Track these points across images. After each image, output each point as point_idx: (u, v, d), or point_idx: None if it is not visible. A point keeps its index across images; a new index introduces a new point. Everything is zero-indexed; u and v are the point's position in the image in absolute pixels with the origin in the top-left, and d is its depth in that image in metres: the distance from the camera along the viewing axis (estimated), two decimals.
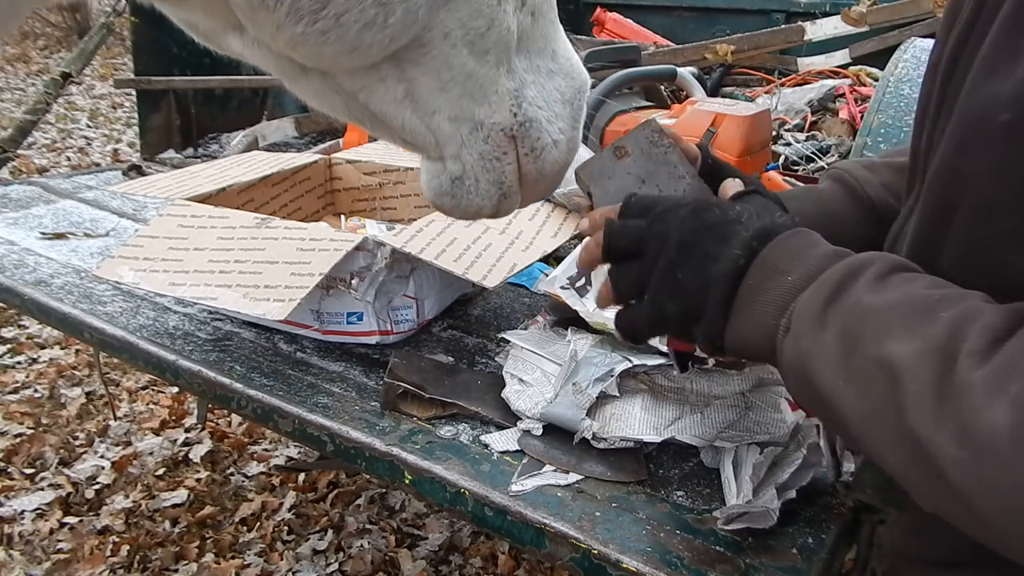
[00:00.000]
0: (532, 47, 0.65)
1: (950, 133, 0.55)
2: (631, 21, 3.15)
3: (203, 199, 1.14)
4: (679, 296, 0.60)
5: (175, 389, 2.46)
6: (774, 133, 2.12)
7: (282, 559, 1.87)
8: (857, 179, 0.83)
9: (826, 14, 2.78)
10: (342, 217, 1.40)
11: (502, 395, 0.93)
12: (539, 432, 0.89)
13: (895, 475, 0.48)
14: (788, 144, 2.12)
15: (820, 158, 2.04)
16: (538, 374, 0.94)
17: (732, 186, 0.72)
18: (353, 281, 1.02)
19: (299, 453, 2.26)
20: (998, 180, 0.51)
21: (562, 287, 1.01)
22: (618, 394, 0.89)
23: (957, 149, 0.54)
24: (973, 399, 0.42)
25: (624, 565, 0.71)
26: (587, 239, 0.70)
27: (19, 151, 3.89)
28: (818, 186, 0.86)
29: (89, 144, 5.29)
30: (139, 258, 1.00)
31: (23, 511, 1.97)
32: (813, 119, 2.23)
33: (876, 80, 2.37)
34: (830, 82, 2.40)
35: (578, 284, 1.02)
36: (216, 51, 0.68)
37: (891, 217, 0.75)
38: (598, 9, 3.23)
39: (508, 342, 1.02)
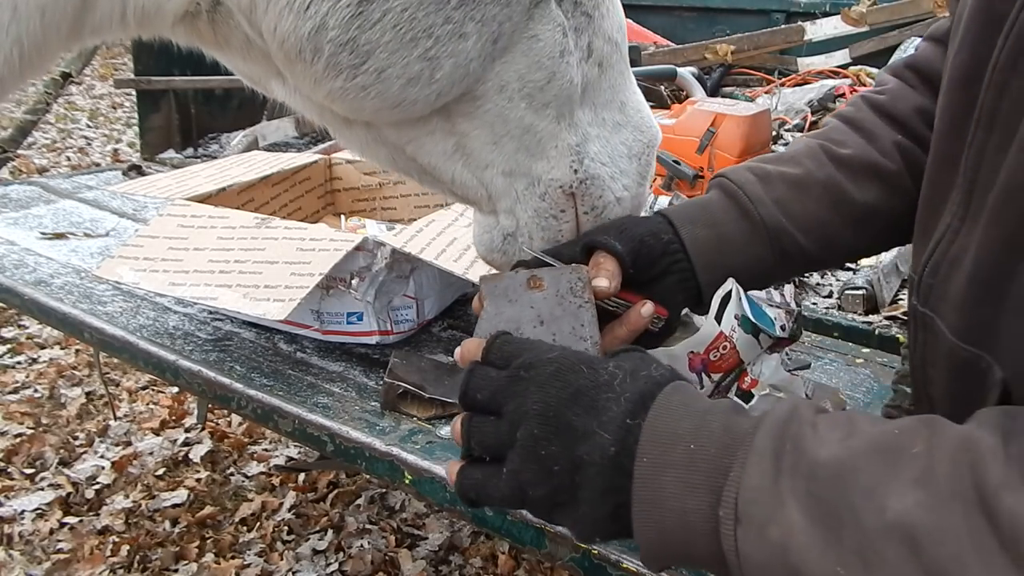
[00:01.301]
0: (598, 99, 0.61)
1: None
2: (631, 21, 3.14)
3: (203, 199, 1.14)
4: (543, 477, 0.51)
5: (175, 389, 2.46)
6: (774, 133, 2.12)
7: (282, 559, 1.87)
8: (750, 198, 0.75)
9: (826, 14, 2.78)
10: (342, 217, 1.40)
11: None
12: None
13: None
14: (788, 144, 2.12)
15: None
16: None
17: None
18: (353, 281, 1.02)
19: (299, 453, 2.26)
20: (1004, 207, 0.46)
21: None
22: None
23: None
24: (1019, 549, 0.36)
25: (624, 565, 0.71)
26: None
27: (19, 151, 3.89)
28: (710, 202, 0.77)
29: (89, 144, 5.29)
30: (139, 258, 1.00)
31: (23, 511, 1.97)
32: (813, 119, 2.23)
33: (875, 80, 2.36)
34: (830, 82, 2.40)
35: None
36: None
37: (780, 235, 0.73)
38: None
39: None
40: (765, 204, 0.75)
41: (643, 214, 1.19)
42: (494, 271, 0.93)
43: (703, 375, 0.81)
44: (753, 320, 0.78)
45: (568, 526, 0.53)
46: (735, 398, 0.82)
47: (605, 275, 0.67)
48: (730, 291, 0.77)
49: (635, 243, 0.69)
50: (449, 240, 0.99)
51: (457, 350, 0.62)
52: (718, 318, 0.78)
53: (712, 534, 0.45)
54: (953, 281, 0.57)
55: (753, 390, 0.83)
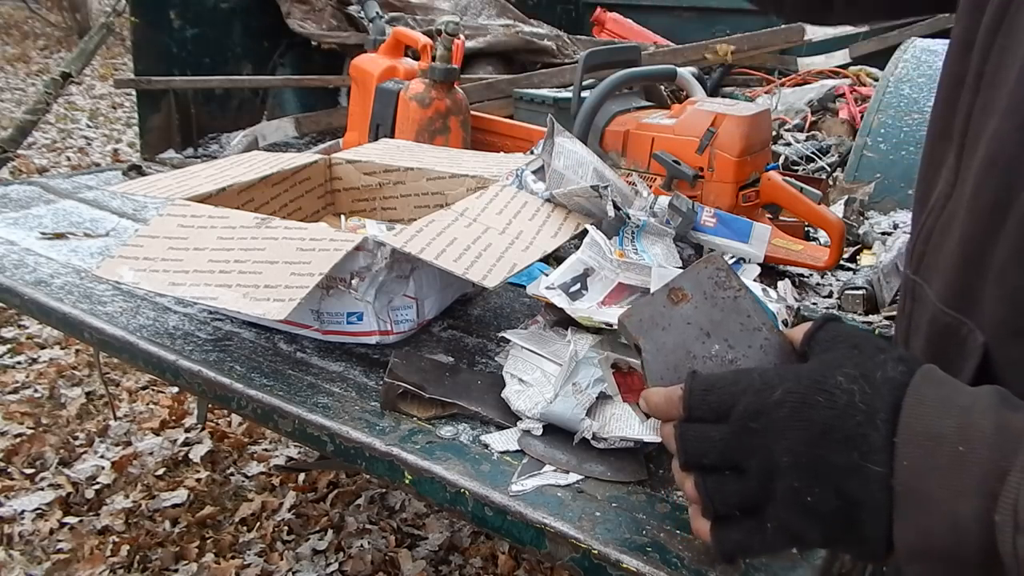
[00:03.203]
0: None
1: (1006, 111, 0.48)
2: (631, 21, 3.15)
3: (203, 199, 1.14)
4: (815, 523, 0.49)
5: (175, 389, 2.46)
6: (774, 133, 2.12)
7: (282, 559, 1.87)
8: None
9: None
10: (342, 217, 1.40)
11: (502, 395, 0.93)
12: (539, 432, 0.89)
13: None
14: (788, 144, 2.13)
15: (820, 158, 2.05)
16: (538, 374, 0.94)
17: (800, 333, 0.59)
18: (353, 281, 1.02)
19: (299, 453, 2.26)
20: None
21: (547, 287, 1.01)
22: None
23: (1019, 130, 0.47)
24: None
25: (624, 565, 0.71)
26: (643, 396, 0.60)
27: (19, 151, 3.89)
28: None
29: (89, 144, 5.29)
30: (139, 258, 1.00)
31: (23, 511, 1.97)
32: (813, 119, 2.24)
33: (876, 80, 2.37)
34: (830, 82, 2.40)
35: (572, 290, 1.02)
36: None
37: None
38: (598, 9, 3.23)
39: (508, 341, 1.02)
40: None
41: (643, 216, 1.20)
42: (490, 274, 0.93)
43: None
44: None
45: (853, 554, 0.52)
46: None
47: None
48: None
49: None
50: (449, 240, 0.99)
51: (641, 402, 0.58)
52: None
53: (986, 540, 0.42)
54: (943, 248, 0.56)
55: None
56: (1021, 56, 0.48)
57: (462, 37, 1.79)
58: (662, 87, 1.98)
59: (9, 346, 2.75)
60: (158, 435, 2.32)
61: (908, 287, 0.62)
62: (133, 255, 1.00)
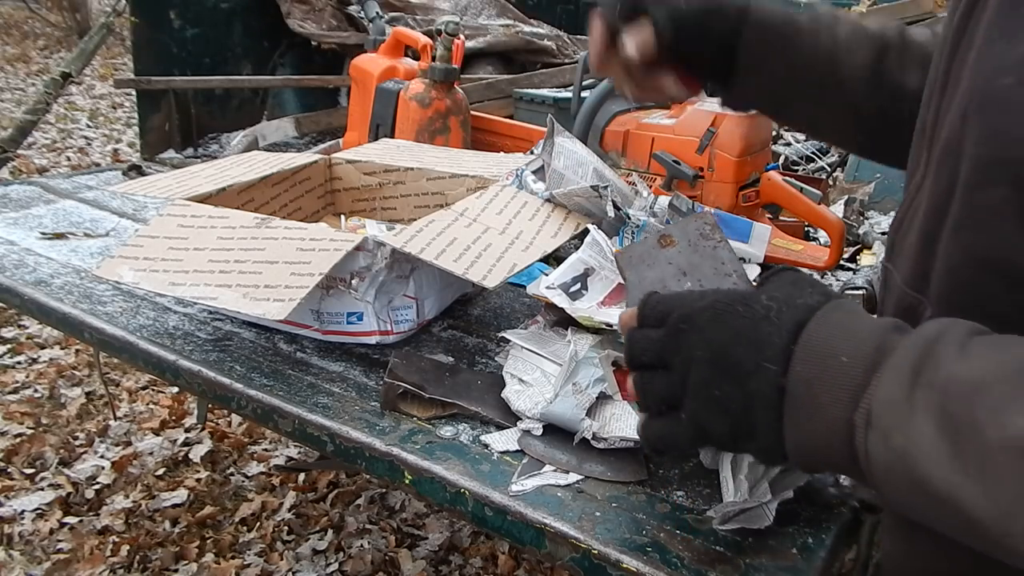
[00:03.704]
0: None
1: (956, 103, 0.53)
2: None
3: (203, 199, 1.14)
4: (721, 416, 0.55)
5: (175, 389, 2.46)
6: (774, 133, 2.12)
7: (282, 559, 1.87)
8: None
9: None
10: (342, 217, 1.40)
11: (502, 395, 0.93)
12: (539, 432, 0.89)
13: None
14: (788, 144, 2.13)
15: (820, 158, 2.05)
16: (538, 374, 0.94)
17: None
18: (353, 281, 1.02)
19: (299, 453, 2.26)
20: (992, 146, 0.48)
21: (547, 287, 1.01)
22: None
23: (961, 118, 0.51)
24: None
25: (624, 565, 0.71)
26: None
27: (19, 151, 3.89)
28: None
29: (89, 144, 5.29)
30: (139, 258, 1.00)
31: (23, 511, 1.97)
32: None
33: None
34: None
35: (572, 290, 1.02)
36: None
37: (837, 57, 0.75)
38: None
39: (508, 341, 1.02)
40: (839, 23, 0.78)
41: (643, 216, 1.20)
42: (490, 274, 0.93)
43: None
44: None
45: (753, 454, 0.57)
46: None
47: (631, 41, 0.70)
48: None
49: (684, 14, 0.71)
50: (449, 240, 0.99)
51: (616, 323, 0.65)
52: None
53: (850, 440, 0.48)
54: (909, 235, 0.60)
55: None
56: (973, 55, 0.52)
57: (462, 37, 1.79)
58: None
59: (9, 346, 2.75)
60: (158, 435, 2.32)
61: (882, 275, 0.67)
62: (133, 255, 1.00)
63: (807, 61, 0.77)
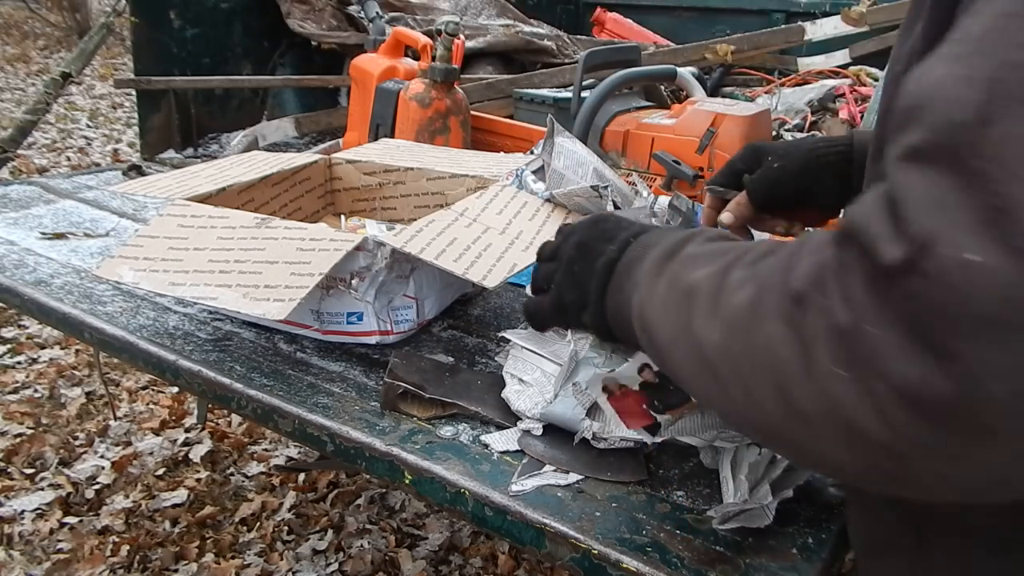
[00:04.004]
0: None
1: (883, 101, 0.60)
2: (631, 21, 3.15)
3: (203, 199, 1.13)
4: (573, 287, 0.68)
5: (175, 389, 2.46)
6: (774, 133, 2.12)
7: (282, 559, 1.87)
8: None
9: (826, 14, 2.78)
10: (342, 217, 1.40)
11: (502, 395, 0.93)
12: (539, 432, 0.89)
13: (693, 391, 0.55)
14: None
15: None
16: (538, 374, 0.94)
17: None
18: (353, 281, 1.02)
19: (299, 453, 2.26)
20: (882, 124, 0.54)
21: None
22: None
23: (884, 112, 0.58)
24: (729, 292, 0.48)
25: (624, 565, 0.71)
26: None
27: (19, 151, 3.89)
28: None
29: (89, 144, 5.29)
30: (139, 258, 1.00)
31: (23, 511, 1.97)
32: (813, 119, 2.23)
33: (876, 80, 2.37)
34: (830, 82, 2.40)
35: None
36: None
37: None
38: (598, 9, 3.23)
39: (508, 341, 1.02)
40: None
41: (642, 217, 1.22)
42: (490, 274, 0.94)
43: None
44: None
45: (588, 326, 0.68)
46: None
47: (725, 213, 0.90)
48: None
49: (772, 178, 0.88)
50: (449, 240, 0.99)
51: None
52: None
53: (629, 303, 0.61)
54: None
55: None
56: (902, 57, 0.56)
57: (462, 37, 1.79)
58: (662, 87, 1.98)
59: (9, 346, 2.75)
60: (158, 435, 2.32)
61: None
62: (133, 255, 1.00)
63: None
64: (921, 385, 0.36)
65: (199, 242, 1.01)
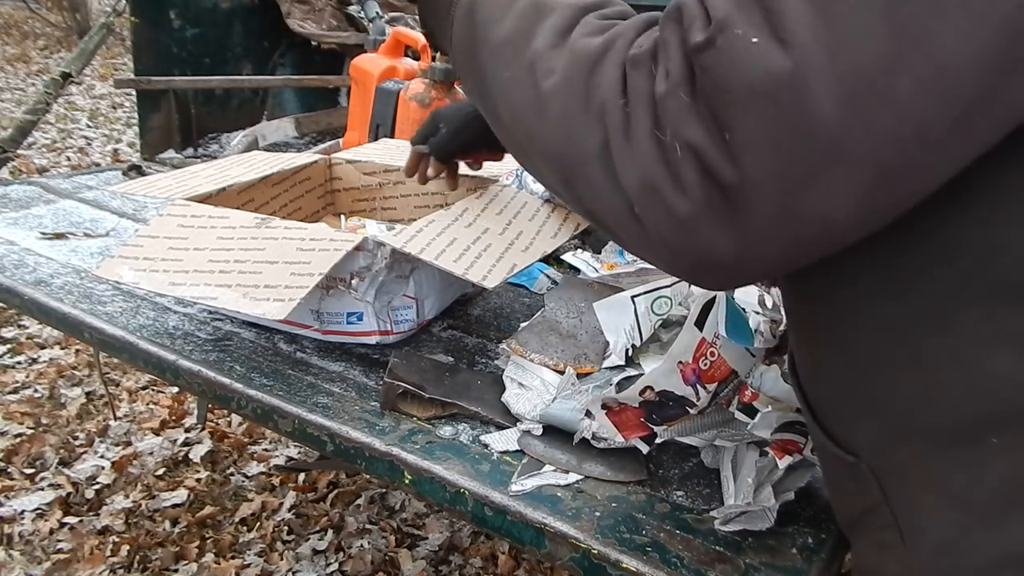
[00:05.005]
0: None
1: None
2: None
3: (203, 199, 1.13)
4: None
5: (175, 389, 2.46)
6: None
7: (282, 559, 1.87)
8: None
9: None
10: (342, 217, 1.40)
11: (502, 399, 0.93)
12: (539, 432, 0.89)
13: (497, 98, 0.55)
14: None
15: None
16: (538, 382, 0.95)
17: None
18: (353, 281, 1.02)
19: (299, 453, 2.26)
20: None
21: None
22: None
23: None
24: (581, 32, 0.51)
25: (624, 565, 0.71)
26: None
27: (19, 151, 3.89)
28: None
29: (89, 144, 5.29)
30: (139, 258, 1.00)
31: (23, 511, 1.97)
32: None
33: None
34: None
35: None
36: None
37: None
38: None
39: (508, 348, 1.02)
40: None
41: None
42: (490, 274, 0.94)
43: (698, 387, 0.81)
44: (724, 334, 0.78)
45: (434, 33, 0.69)
46: (738, 412, 0.83)
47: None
48: (713, 297, 0.77)
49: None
50: (449, 240, 0.99)
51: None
52: (699, 324, 0.78)
53: (449, 8, 0.61)
54: None
55: (755, 403, 0.83)
56: None
57: None
58: None
59: (9, 346, 2.75)
60: (158, 435, 2.32)
61: None
62: (133, 255, 1.00)
63: None
64: (705, 149, 0.41)
65: (199, 242, 1.01)
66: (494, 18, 0.56)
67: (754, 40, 0.40)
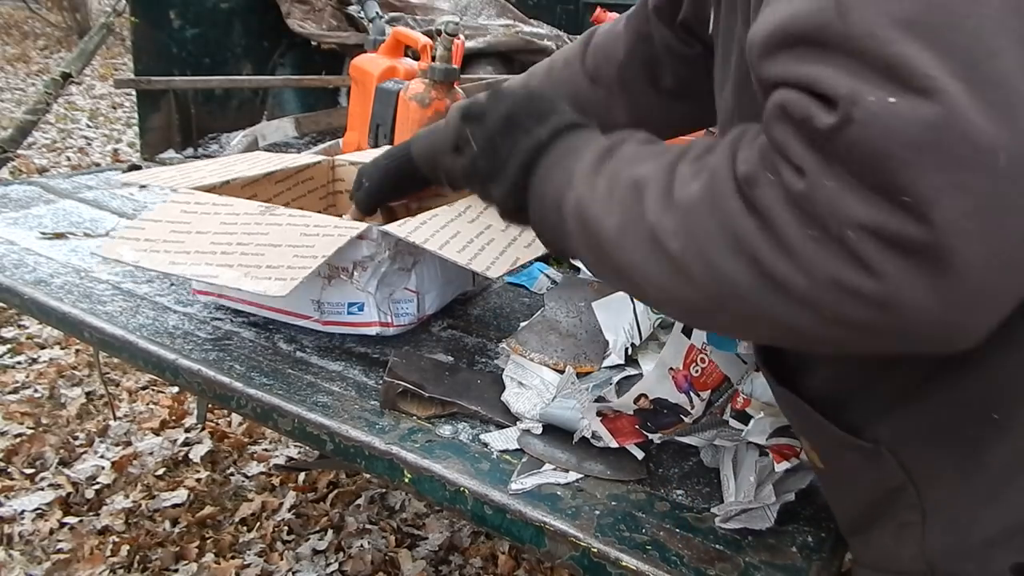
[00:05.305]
0: None
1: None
2: None
3: (207, 191, 1.13)
4: (490, 157, 0.68)
5: (175, 389, 2.46)
6: None
7: (282, 559, 1.87)
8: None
9: None
10: (344, 217, 1.40)
11: (502, 398, 0.93)
12: (539, 431, 0.89)
13: (634, 277, 0.55)
14: None
15: None
16: (537, 381, 0.95)
17: None
18: (355, 271, 1.02)
19: (299, 453, 2.26)
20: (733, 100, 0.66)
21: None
22: (616, 398, 0.89)
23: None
24: (682, 182, 0.50)
25: (623, 563, 0.71)
26: None
27: (19, 151, 3.89)
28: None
29: (89, 144, 5.28)
30: (140, 239, 0.98)
31: (23, 511, 1.97)
32: None
33: None
34: None
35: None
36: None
37: None
38: (598, 9, 3.23)
39: (508, 347, 1.02)
40: None
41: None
42: (493, 266, 0.94)
43: (691, 394, 0.81)
44: (706, 341, 0.79)
45: (495, 198, 0.69)
46: (732, 420, 0.83)
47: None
48: None
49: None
50: (453, 233, 0.98)
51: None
52: (686, 331, 0.79)
53: (561, 197, 0.61)
54: None
55: (748, 410, 0.83)
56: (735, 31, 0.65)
57: (462, 37, 1.79)
58: None
59: (9, 346, 2.75)
60: (158, 435, 2.32)
61: None
62: (134, 236, 0.99)
63: None
64: (884, 221, 0.40)
65: (202, 226, 0.99)
66: (602, 215, 0.56)
67: (891, 100, 0.39)
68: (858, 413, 0.61)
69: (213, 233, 0.98)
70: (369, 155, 1.46)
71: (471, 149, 0.70)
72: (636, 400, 0.83)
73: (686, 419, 0.82)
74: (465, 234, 0.99)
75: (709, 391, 0.81)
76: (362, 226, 0.96)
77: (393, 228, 0.95)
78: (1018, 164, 0.38)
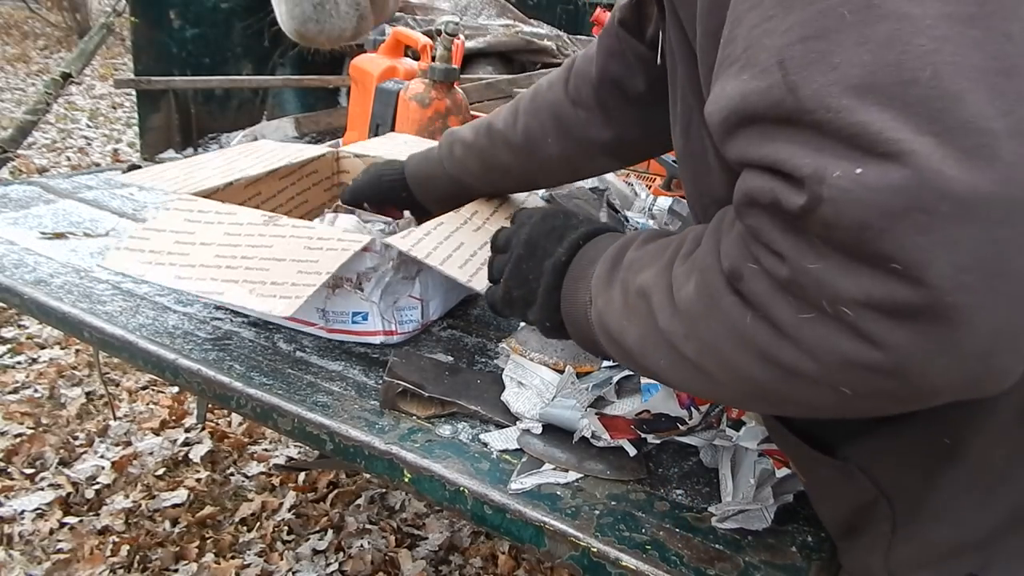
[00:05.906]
0: None
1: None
2: None
3: (209, 194, 1.13)
4: (521, 284, 0.72)
5: (175, 389, 2.46)
6: None
7: (282, 559, 1.87)
8: (441, 158, 1.14)
9: None
10: (325, 211, 1.39)
11: (501, 398, 0.93)
12: (538, 431, 0.89)
13: (670, 382, 0.58)
14: None
15: None
16: (537, 381, 0.95)
17: None
18: (360, 282, 1.02)
19: (299, 453, 2.26)
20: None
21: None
22: (616, 398, 0.89)
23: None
24: (679, 285, 0.52)
25: (623, 563, 0.71)
26: None
27: (19, 151, 3.89)
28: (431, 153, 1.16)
29: (89, 144, 5.28)
30: (145, 251, 0.99)
31: (23, 511, 1.97)
32: None
33: None
34: None
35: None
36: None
37: (461, 180, 1.10)
38: (598, 9, 3.23)
39: (508, 347, 1.02)
40: (450, 160, 1.11)
41: (641, 219, 1.26)
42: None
43: (691, 408, 0.83)
44: None
45: (534, 320, 0.73)
46: (728, 428, 0.84)
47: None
48: None
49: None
50: (456, 244, 0.99)
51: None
52: None
53: (587, 314, 0.66)
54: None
55: (743, 418, 0.85)
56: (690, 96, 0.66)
57: (462, 37, 1.79)
58: None
59: (9, 346, 2.75)
60: (158, 435, 2.32)
61: None
62: (139, 247, 0.99)
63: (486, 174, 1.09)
64: (878, 292, 0.39)
65: (206, 237, 1.00)
66: (623, 327, 0.58)
67: (858, 171, 0.38)
68: (830, 432, 0.62)
69: (217, 245, 0.98)
70: (373, 146, 1.46)
71: (503, 282, 0.74)
72: (639, 415, 0.85)
73: (682, 427, 0.85)
74: (469, 245, 0.99)
75: (707, 405, 0.84)
76: (365, 239, 0.96)
77: (396, 240, 0.95)
78: (1008, 204, 0.37)
